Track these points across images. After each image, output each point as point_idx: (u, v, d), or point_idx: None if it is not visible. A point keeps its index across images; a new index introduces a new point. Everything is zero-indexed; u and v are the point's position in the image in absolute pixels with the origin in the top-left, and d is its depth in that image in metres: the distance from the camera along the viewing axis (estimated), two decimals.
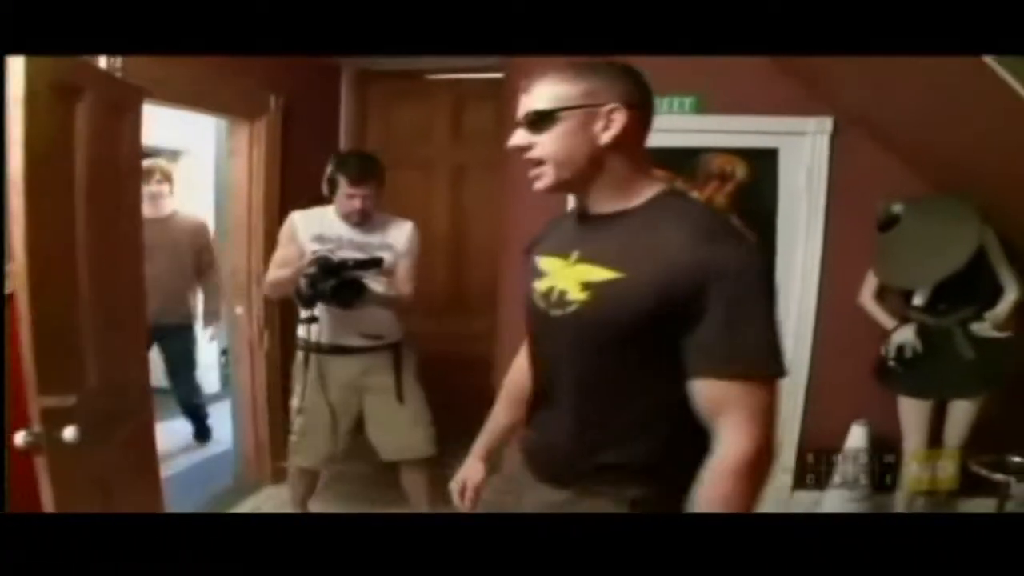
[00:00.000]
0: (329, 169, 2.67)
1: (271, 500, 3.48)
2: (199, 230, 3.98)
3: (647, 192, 1.26)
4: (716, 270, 1.12)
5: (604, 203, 1.28)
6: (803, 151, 3.18)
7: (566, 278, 1.29)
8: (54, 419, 1.79)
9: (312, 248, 2.60)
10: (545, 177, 1.27)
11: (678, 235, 1.17)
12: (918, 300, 2.89)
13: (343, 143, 4.30)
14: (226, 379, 5.03)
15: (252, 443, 3.65)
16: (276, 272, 2.64)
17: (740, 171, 3.22)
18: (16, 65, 1.69)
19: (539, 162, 1.26)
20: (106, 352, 2.14)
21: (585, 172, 1.25)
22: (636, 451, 1.25)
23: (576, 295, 1.25)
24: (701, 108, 3.17)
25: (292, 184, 3.65)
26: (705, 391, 1.15)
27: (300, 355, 2.74)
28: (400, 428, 2.76)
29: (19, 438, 1.90)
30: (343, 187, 2.61)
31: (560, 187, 1.27)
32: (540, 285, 1.35)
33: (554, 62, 1.27)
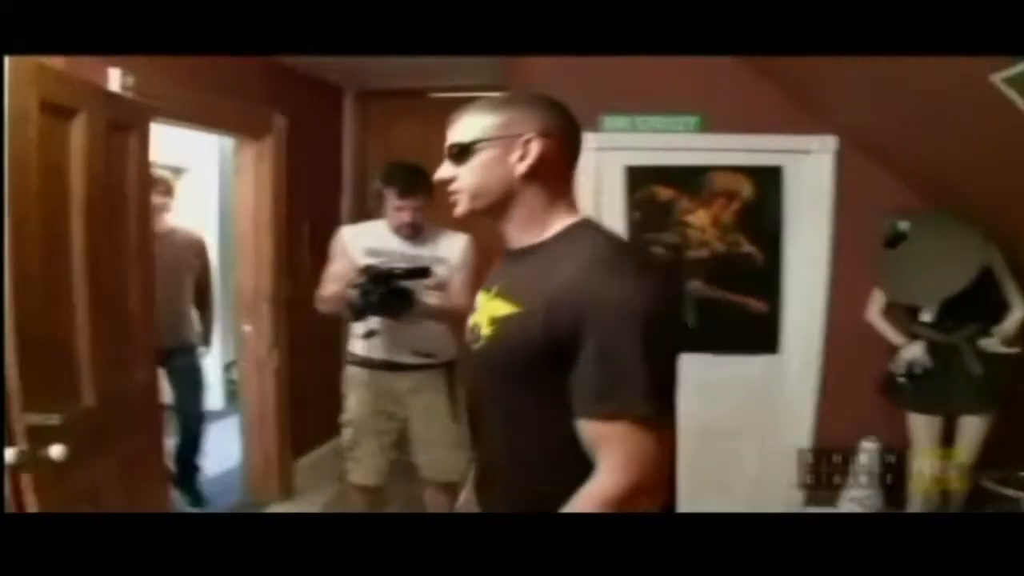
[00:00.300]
0: (376, 182, 2.65)
1: None
2: (199, 247, 3.81)
3: (559, 224, 1.25)
4: (593, 305, 1.10)
5: (521, 236, 1.28)
6: (807, 169, 3.20)
7: (483, 313, 1.30)
8: (40, 437, 1.79)
9: (365, 262, 2.57)
10: (460, 204, 1.27)
11: (569, 268, 1.15)
12: (925, 317, 2.91)
13: (345, 162, 4.33)
14: (231, 395, 5.03)
15: (260, 460, 3.66)
16: (327, 287, 2.63)
17: (746, 189, 3.24)
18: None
19: (458, 191, 1.27)
20: (108, 369, 2.14)
21: (500, 202, 1.25)
22: (551, 482, 1.20)
23: (484, 330, 1.26)
24: (706, 127, 3.19)
25: (296, 202, 3.67)
26: (585, 430, 1.13)
27: (351, 370, 2.74)
28: (444, 448, 2.74)
29: (8, 455, 1.92)
30: (391, 200, 2.59)
31: (475, 215, 1.27)
32: (470, 320, 1.37)
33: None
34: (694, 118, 3.18)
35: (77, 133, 2.04)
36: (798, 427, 3.26)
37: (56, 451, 1.80)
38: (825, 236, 3.20)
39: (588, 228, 1.26)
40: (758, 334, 3.30)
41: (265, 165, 3.49)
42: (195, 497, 3.68)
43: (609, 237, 1.25)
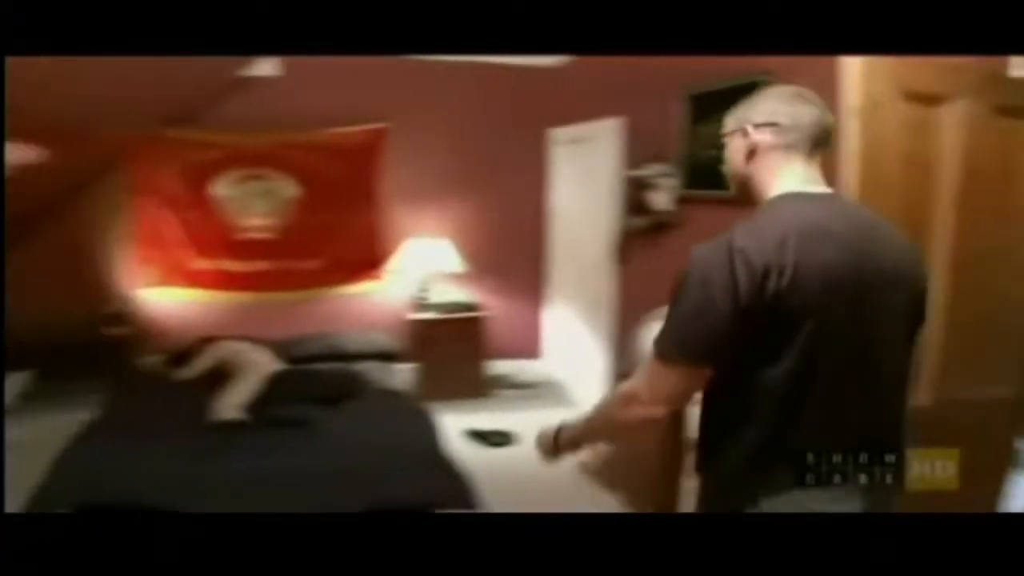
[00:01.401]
0: None
1: None
2: None
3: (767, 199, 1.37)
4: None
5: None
6: None
7: None
8: None
9: None
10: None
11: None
12: None
13: None
14: None
15: None
16: None
17: None
18: (853, 76, 1.82)
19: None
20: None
21: (742, 184, 1.44)
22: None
23: None
24: None
25: None
26: None
27: None
28: None
29: None
30: None
31: (738, 197, 1.46)
32: None
33: None
34: None
35: (949, 120, 2.00)
36: None
37: None
38: None
39: (771, 202, 1.35)
40: None
41: None
42: None
43: (769, 207, 1.34)
